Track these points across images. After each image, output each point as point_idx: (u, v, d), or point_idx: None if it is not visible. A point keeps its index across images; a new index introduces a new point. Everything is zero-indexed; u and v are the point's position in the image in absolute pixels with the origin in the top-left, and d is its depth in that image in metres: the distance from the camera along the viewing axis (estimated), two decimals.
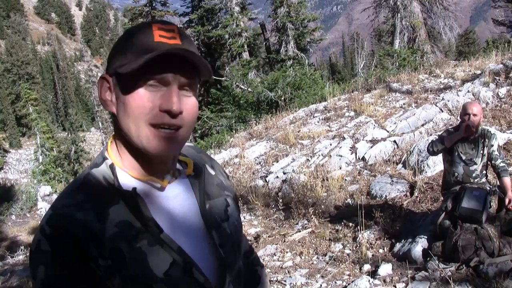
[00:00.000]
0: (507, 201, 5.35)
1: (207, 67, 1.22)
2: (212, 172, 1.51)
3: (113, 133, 1.32)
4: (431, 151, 5.74)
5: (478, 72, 12.21)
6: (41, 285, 1.12)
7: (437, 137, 5.71)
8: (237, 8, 26.16)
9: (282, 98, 19.20)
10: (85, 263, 1.12)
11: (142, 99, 1.16)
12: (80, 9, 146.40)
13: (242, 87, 21.86)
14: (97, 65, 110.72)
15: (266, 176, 10.31)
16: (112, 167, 1.25)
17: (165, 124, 1.17)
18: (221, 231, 1.37)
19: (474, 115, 5.34)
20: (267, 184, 9.97)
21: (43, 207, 19.01)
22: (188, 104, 1.21)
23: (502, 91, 10.50)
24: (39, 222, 1.19)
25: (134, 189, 1.21)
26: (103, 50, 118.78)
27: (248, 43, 27.83)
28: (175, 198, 1.32)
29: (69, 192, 1.23)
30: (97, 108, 73.95)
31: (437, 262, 5.27)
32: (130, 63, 1.14)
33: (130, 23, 31.26)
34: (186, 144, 1.46)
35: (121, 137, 1.25)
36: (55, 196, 20.71)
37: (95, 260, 1.12)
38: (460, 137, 5.44)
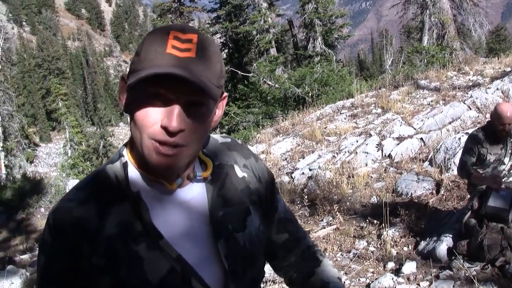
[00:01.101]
0: None
1: (205, 88, 1.11)
2: (241, 174, 1.42)
3: None
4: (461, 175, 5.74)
5: (508, 69, 12.04)
6: (40, 271, 1.20)
7: (465, 168, 5.51)
8: (264, 4, 26.12)
9: (309, 95, 19.16)
10: (77, 259, 1.15)
11: (146, 111, 1.13)
12: (110, 5, 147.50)
13: (269, 83, 21.86)
14: (126, 61, 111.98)
15: (292, 173, 10.31)
16: (125, 165, 1.24)
17: (163, 141, 1.13)
18: (231, 242, 1.31)
19: (503, 123, 5.23)
20: (293, 181, 9.97)
21: None
22: (192, 121, 1.15)
23: None
24: None
25: (138, 192, 1.20)
26: (132, 46, 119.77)
27: (276, 39, 27.74)
28: (185, 203, 1.29)
29: (78, 186, 1.25)
30: None
31: (462, 261, 5.22)
32: (138, 72, 1.12)
33: (159, 19, 31.42)
34: (221, 138, 1.46)
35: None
36: None
37: (88, 258, 1.15)
38: (487, 184, 5.35)
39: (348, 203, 8.10)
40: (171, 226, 1.24)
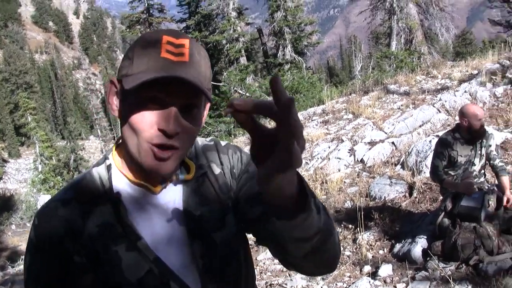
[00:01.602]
0: (505, 199, 5.37)
1: (201, 92, 1.14)
2: (217, 171, 1.41)
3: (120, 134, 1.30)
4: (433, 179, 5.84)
5: (475, 72, 12.24)
6: (26, 271, 1.21)
7: (437, 173, 5.60)
8: (234, 14, 26.24)
9: None
10: (60, 257, 1.17)
11: (142, 115, 1.14)
12: (78, 17, 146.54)
13: (240, 92, 21.92)
14: (95, 73, 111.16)
15: None
16: (109, 168, 1.27)
17: (161, 144, 1.15)
18: (207, 242, 1.31)
19: (479, 119, 5.34)
20: None
21: None
22: (187, 124, 1.17)
23: (499, 90, 10.53)
24: None
25: (118, 193, 1.22)
26: (101, 58, 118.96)
27: (246, 48, 27.87)
28: (164, 205, 1.30)
29: (65, 187, 1.29)
30: (96, 116, 74.03)
31: (437, 261, 5.27)
32: (133, 76, 1.13)
33: (128, 30, 31.27)
34: (204, 140, 1.47)
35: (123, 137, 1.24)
36: None
37: (70, 256, 1.17)
38: (459, 191, 5.44)
39: None
40: (152, 228, 1.26)
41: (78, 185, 1.27)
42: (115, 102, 1.23)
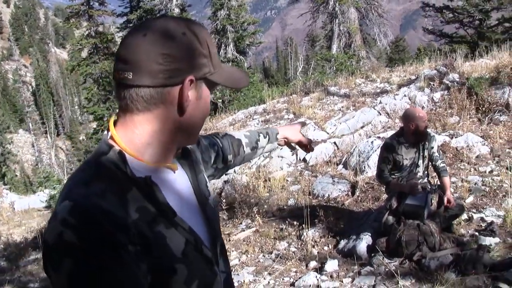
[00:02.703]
0: (446, 199, 5.63)
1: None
2: (189, 146, 1.55)
3: (116, 122, 1.32)
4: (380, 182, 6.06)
5: (413, 77, 12.64)
6: (69, 278, 1.07)
7: (383, 176, 5.83)
8: (177, 10, 26.02)
9: (221, 100, 19.24)
10: (117, 251, 1.10)
11: (209, 100, 1.38)
12: (8, 6, 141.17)
13: None
14: (26, 65, 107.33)
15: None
16: (121, 154, 1.25)
17: None
18: (209, 206, 1.47)
19: (424, 121, 5.58)
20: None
21: None
22: None
23: (437, 95, 10.94)
24: (54, 216, 1.15)
25: (149, 176, 1.23)
26: (33, 50, 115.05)
27: None
28: (179, 180, 1.41)
29: (84, 181, 1.21)
30: (27, 109, 71.53)
31: (381, 257, 5.46)
32: (220, 72, 1.35)
33: (65, 22, 30.45)
34: None
35: (147, 126, 1.27)
36: None
37: (125, 247, 1.12)
38: (405, 191, 5.66)
39: (266, 206, 8.21)
40: (176, 201, 1.33)
41: (101, 177, 1.21)
42: (190, 95, 1.29)
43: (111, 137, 1.30)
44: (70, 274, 1.07)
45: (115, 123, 1.32)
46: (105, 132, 1.34)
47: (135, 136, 1.28)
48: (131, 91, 1.23)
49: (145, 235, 1.18)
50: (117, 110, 1.32)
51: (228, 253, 6.87)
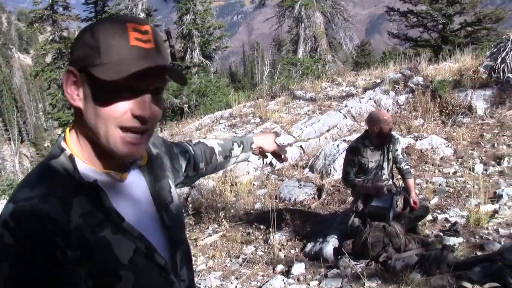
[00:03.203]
0: (411, 201, 5.68)
1: (182, 75, 1.29)
2: (155, 152, 1.54)
3: (72, 124, 1.30)
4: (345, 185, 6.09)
5: (378, 80, 12.78)
6: (5, 281, 1.07)
7: (349, 179, 5.85)
8: (142, 15, 25.81)
9: (187, 105, 19.17)
10: (53, 255, 1.08)
11: (116, 104, 1.17)
12: None
13: None
14: None
15: None
16: (71, 158, 1.24)
17: (135, 128, 1.19)
18: (169, 213, 1.43)
19: (388, 124, 5.62)
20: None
21: None
22: (156, 108, 1.23)
23: (401, 98, 11.09)
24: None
25: (95, 181, 1.21)
26: None
27: None
28: (133, 186, 1.36)
29: (30, 184, 1.18)
30: None
31: (348, 259, 5.47)
32: (107, 67, 1.14)
33: (28, 27, 29.99)
34: None
35: (84, 131, 1.25)
36: None
37: (63, 251, 1.10)
38: (370, 193, 5.69)
39: (232, 210, 8.17)
40: (126, 208, 1.29)
41: (47, 180, 1.19)
42: (75, 92, 1.21)
43: (65, 140, 1.28)
44: (6, 277, 1.06)
45: (71, 127, 1.30)
46: (62, 135, 1.32)
47: (84, 141, 1.27)
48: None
49: (87, 240, 1.16)
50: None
51: (195, 258, 6.86)
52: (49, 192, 1.15)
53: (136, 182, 1.38)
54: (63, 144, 1.27)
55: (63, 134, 1.31)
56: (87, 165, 1.26)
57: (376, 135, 5.65)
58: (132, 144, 1.21)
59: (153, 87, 1.21)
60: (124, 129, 1.18)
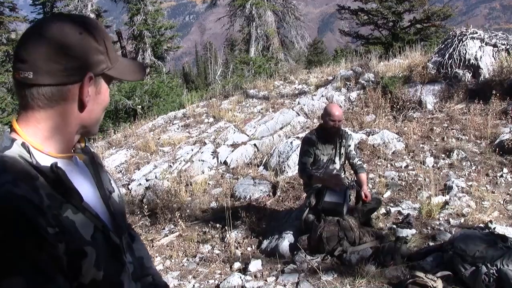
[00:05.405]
0: (363, 194, 5.78)
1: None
2: (93, 151, 1.62)
3: (24, 118, 1.33)
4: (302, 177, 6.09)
5: (330, 78, 12.94)
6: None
7: (306, 170, 5.86)
8: (92, 15, 25.41)
9: (140, 106, 18.97)
10: (38, 235, 1.12)
11: (107, 93, 1.44)
12: None
13: None
14: None
15: (129, 184, 10.11)
16: (24, 145, 1.28)
17: None
18: (112, 200, 1.54)
19: (340, 121, 5.71)
20: (130, 192, 9.79)
21: None
22: None
23: (353, 95, 11.25)
24: None
25: (56, 163, 1.27)
26: None
27: None
28: (82, 171, 1.47)
29: None
30: None
31: (304, 254, 5.52)
32: (116, 67, 1.41)
33: None
34: None
35: (56, 123, 1.33)
36: None
37: (45, 229, 1.14)
38: (328, 185, 5.72)
39: (188, 210, 8.13)
40: (83, 191, 1.36)
41: (8, 168, 1.22)
42: (89, 92, 1.35)
43: (14, 132, 1.32)
44: None
45: (17, 121, 1.34)
46: (7, 129, 1.37)
47: (37, 131, 1.32)
48: (32, 89, 1.27)
49: (58, 219, 1.22)
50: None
51: (152, 259, 6.78)
52: (15, 177, 1.19)
53: (84, 168, 1.48)
54: (12, 135, 1.31)
55: (8, 129, 1.35)
56: (40, 153, 1.31)
57: (323, 128, 5.77)
58: None
59: None
60: None
